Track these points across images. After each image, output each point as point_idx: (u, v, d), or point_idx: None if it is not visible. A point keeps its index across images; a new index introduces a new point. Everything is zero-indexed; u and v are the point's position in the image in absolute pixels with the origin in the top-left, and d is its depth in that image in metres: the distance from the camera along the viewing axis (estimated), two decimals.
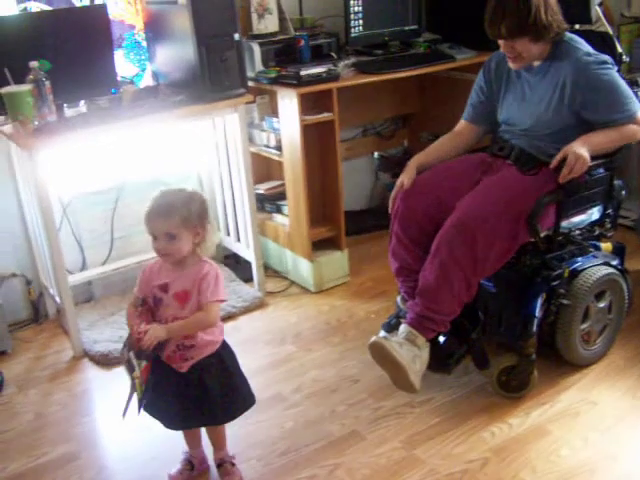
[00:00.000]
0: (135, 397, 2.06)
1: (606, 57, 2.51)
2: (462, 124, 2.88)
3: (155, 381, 2.07)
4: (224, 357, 2.19)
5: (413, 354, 2.42)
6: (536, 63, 2.59)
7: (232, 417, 2.24)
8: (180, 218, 2.05)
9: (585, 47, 2.54)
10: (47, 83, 2.79)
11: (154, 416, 2.22)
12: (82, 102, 3.06)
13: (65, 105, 2.99)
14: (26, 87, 2.76)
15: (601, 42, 2.71)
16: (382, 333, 2.70)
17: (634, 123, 2.49)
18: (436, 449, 2.40)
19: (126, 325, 3.18)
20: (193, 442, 2.35)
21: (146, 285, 2.15)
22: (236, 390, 2.22)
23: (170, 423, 2.23)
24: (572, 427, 2.46)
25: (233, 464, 2.33)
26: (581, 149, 2.36)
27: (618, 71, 2.57)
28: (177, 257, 2.09)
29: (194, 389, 2.12)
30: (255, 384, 2.29)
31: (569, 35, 2.57)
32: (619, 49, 2.74)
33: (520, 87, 2.67)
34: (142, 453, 2.47)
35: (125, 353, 2.08)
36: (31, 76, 2.77)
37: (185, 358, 2.13)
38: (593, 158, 2.40)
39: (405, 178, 2.64)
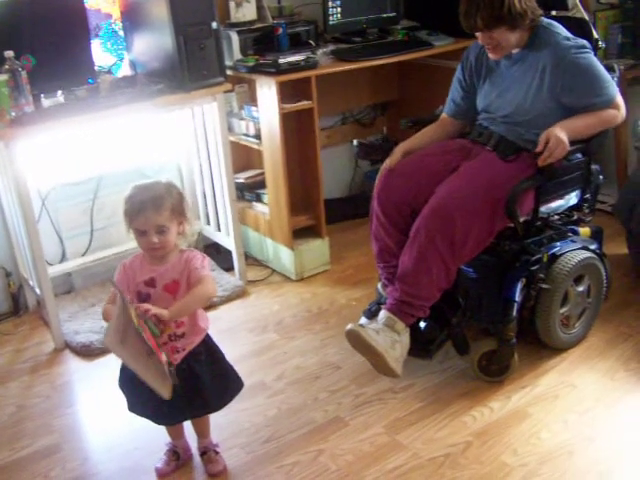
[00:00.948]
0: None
1: (584, 42, 2.53)
2: (444, 117, 2.89)
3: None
4: (210, 345, 2.20)
5: (392, 340, 2.43)
6: (515, 51, 2.60)
7: (224, 403, 2.25)
8: (170, 210, 2.05)
9: (564, 32, 2.56)
10: (23, 73, 2.76)
11: (144, 415, 2.21)
12: (59, 92, 3.02)
13: (42, 95, 2.96)
14: (2, 77, 2.72)
15: (577, 28, 2.71)
16: (362, 320, 2.73)
17: (612, 107, 2.51)
18: (418, 434, 2.42)
19: None
20: (177, 433, 2.35)
21: (129, 284, 2.11)
22: (225, 376, 2.23)
23: (161, 419, 2.21)
24: (551, 410, 2.49)
25: (217, 452, 2.34)
26: (561, 134, 2.38)
27: (595, 56, 2.59)
28: (166, 250, 2.09)
29: (186, 381, 2.09)
30: (238, 372, 2.29)
31: (547, 21, 2.59)
32: (595, 35, 2.75)
33: (499, 75, 2.68)
34: (125, 443, 2.47)
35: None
36: (7, 66, 2.74)
37: (177, 350, 2.12)
38: (571, 143, 2.42)
39: (388, 160, 2.66)
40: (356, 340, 2.45)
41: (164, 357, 1.95)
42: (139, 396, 2.14)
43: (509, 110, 2.63)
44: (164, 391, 1.94)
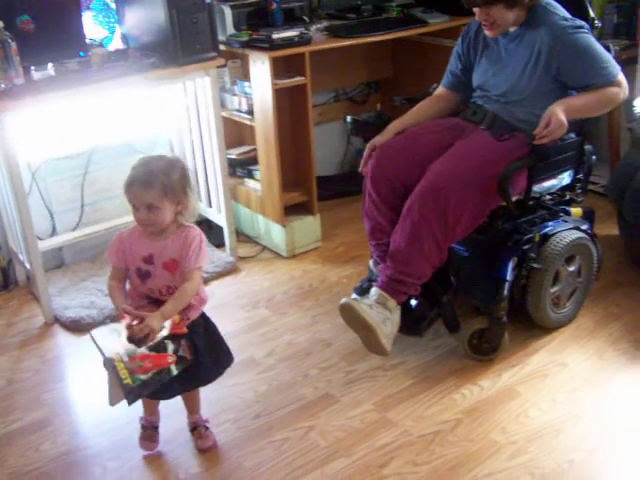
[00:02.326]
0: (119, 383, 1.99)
1: (582, 22, 2.51)
2: (441, 90, 2.88)
3: None
4: (206, 317, 2.21)
5: (384, 316, 2.44)
6: (512, 29, 2.59)
7: (218, 374, 2.24)
8: (161, 188, 2.02)
9: (561, 12, 2.54)
10: (13, 44, 2.72)
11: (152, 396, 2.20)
12: (50, 65, 2.99)
13: (32, 68, 2.93)
14: None
15: (574, 6, 2.70)
16: (354, 296, 2.73)
17: (614, 85, 2.48)
18: (408, 411, 2.43)
19: (97, 292, 3.20)
20: (153, 409, 2.32)
21: (127, 255, 2.10)
22: (220, 347, 2.23)
23: (156, 394, 2.16)
24: (541, 388, 2.50)
25: (207, 427, 2.34)
26: (562, 115, 2.36)
27: (593, 37, 2.57)
28: (159, 227, 2.07)
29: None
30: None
31: (546, 0, 2.56)
32: (591, 14, 2.73)
33: (496, 52, 2.67)
34: (115, 418, 2.46)
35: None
36: None
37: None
38: (569, 123, 2.41)
39: (379, 138, 2.64)
40: (349, 313, 2.46)
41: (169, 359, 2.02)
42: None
43: (504, 88, 2.62)
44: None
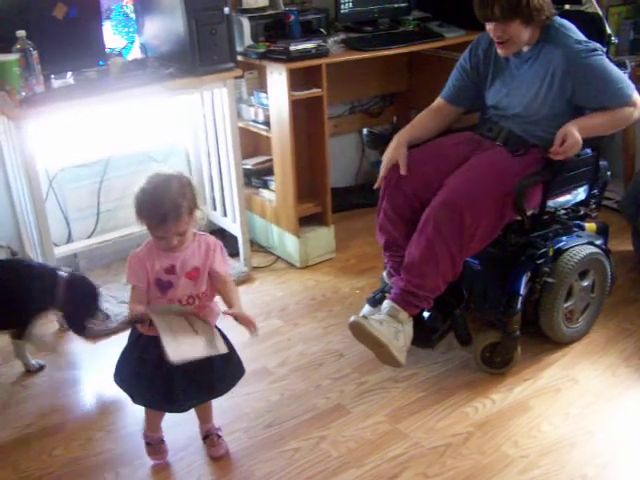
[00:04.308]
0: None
1: (596, 44, 2.50)
2: (441, 102, 2.86)
3: (166, 368, 2.02)
4: (219, 329, 2.21)
5: (395, 330, 2.44)
6: (525, 49, 2.58)
7: (232, 385, 2.25)
8: (187, 213, 2.03)
9: (575, 34, 2.53)
10: (35, 53, 2.76)
11: (153, 406, 2.23)
12: (69, 73, 3.03)
13: (52, 76, 2.96)
14: (13, 56, 2.72)
15: (590, 23, 2.72)
16: (365, 308, 2.75)
17: (629, 105, 2.48)
18: (420, 423, 2.44)
19: (111, 298, 3.22)
20: (156, 425, 2.32)
21: (147, 272, 2.08)
22: (232, 360, 2.23)
23: (173, 405, 2.19)
24: (553, 403, 2.50)
25: (219, 436, 2.35)
26: (577, 132, 2.38)
27: (607, 52, 2.58)
28: (185, 245, 2.09)
29: (199, 364, 2.06)
30: (241, 358, 2.29)
31: (559, 20, 2.56)
32: (608, 30, 2.74)
33: (509, 73, 2.66)
34: (128, 425, 2.49)
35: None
36: (18, 45, 2.74)
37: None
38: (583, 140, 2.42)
39: (399, 159, 2.61)
40: (359, 332, 2.46)
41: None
42: (147, 388, 2.14)
43: (519, 109, 2.62)
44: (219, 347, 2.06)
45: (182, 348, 1.97)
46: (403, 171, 2.59)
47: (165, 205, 1.99)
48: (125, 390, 2.23)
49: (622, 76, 2.50)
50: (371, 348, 2.49)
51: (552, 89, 2.53)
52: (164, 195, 2.01)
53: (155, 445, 2.33)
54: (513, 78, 2.65)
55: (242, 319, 2.08)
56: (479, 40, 2.75)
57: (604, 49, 2.55)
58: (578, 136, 2.37)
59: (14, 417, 2.57)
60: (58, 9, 2.89)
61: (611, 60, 2.54)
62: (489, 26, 2.52)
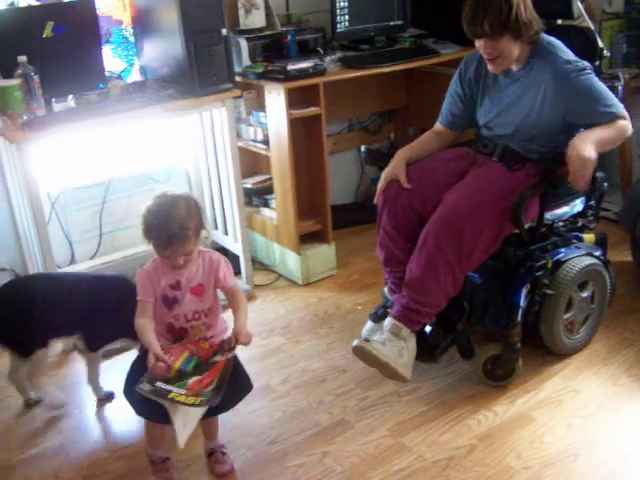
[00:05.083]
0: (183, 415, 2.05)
1: (585, 63, 2.51)
2: (439, 128, 2.88)
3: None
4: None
5: (398, 348, 2.45)
6: (514, 68, 2.60)
7: (238, 400, 2.25)
8: (194, 234, 2.07)
9: (564, 53, 2.54)
10: (36, 77, 2.80)
11: (157, 420, 2.20)
12: (70, 97, 3.07)
13: (53, 99, 3.00)
14: (15, 82, 2.77)
15: (583, 37, 2.75)
16: (368, 324, 2.75)
17: (622, 118, 2.49)
18: (423, 437, 2.44)
19: None
20: (157, 443, 2.31)
21: (155, 288, 2.13)
22: (239, 374, 2.23)
23: None
24: (555, 414, 2.51)
25: (224, 452, 2.36)
26: (586, 150, 2.36)
27: (599, 66, 2.61)
28: (191, 264, 2.13)
29: None
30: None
31: (547, 39, 2.57)
32: (600, 44, 2.77)
33: (498, 93, 2.67)
34: (134, 444, 2.49)
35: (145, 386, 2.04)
36: (20, 70, 2.78)
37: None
38: None
39: (399, 174, 2.63)
40: (363, 355, 2.47)
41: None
42: (154, 400, 2.15)
43: (510, 129, 2.64)
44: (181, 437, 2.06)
45: (188, 428, 2.08)
46: (405, 184, 2.61)
47: (173, 227, 2.03)
48: (132, 401, 2.20)
49: (611, 94, 2.51)
50: (376, 368, 2.50)
51: (544, 109, 2.54)
52: (172, 217, 2.04)
53: (159, 463, 2.33)
54: (503, 98, 2.65)
55: (239, 335, 2.11)
56: (466, 62, 2.76)
57: (596, 64, 2.58)
58: (587, 154, 2.35)
59: (20, 438, 2.57)
60: (47, 28, 2.94)
61: (600, 76, 2.55)
62: (479, 43, 2.53)
